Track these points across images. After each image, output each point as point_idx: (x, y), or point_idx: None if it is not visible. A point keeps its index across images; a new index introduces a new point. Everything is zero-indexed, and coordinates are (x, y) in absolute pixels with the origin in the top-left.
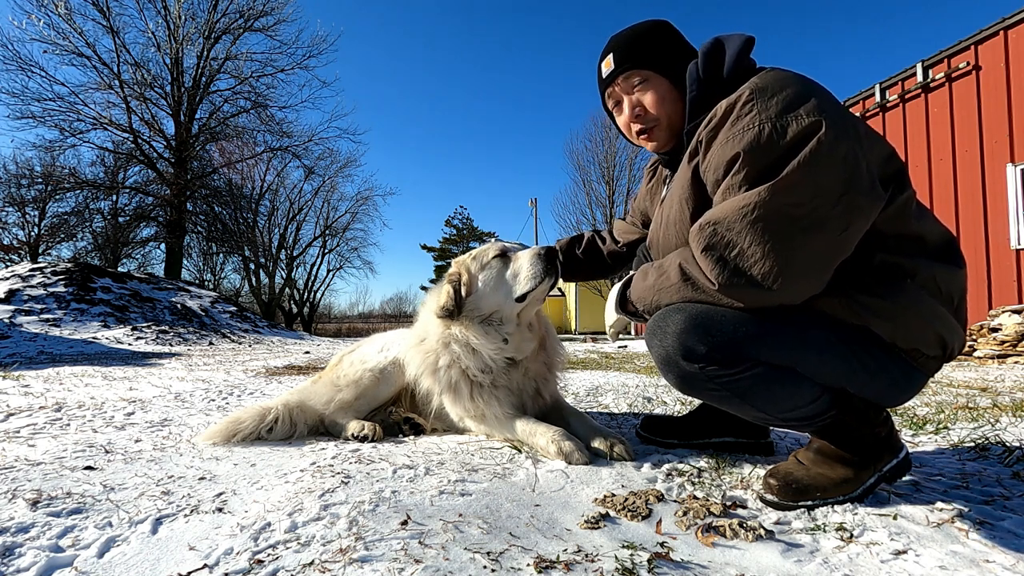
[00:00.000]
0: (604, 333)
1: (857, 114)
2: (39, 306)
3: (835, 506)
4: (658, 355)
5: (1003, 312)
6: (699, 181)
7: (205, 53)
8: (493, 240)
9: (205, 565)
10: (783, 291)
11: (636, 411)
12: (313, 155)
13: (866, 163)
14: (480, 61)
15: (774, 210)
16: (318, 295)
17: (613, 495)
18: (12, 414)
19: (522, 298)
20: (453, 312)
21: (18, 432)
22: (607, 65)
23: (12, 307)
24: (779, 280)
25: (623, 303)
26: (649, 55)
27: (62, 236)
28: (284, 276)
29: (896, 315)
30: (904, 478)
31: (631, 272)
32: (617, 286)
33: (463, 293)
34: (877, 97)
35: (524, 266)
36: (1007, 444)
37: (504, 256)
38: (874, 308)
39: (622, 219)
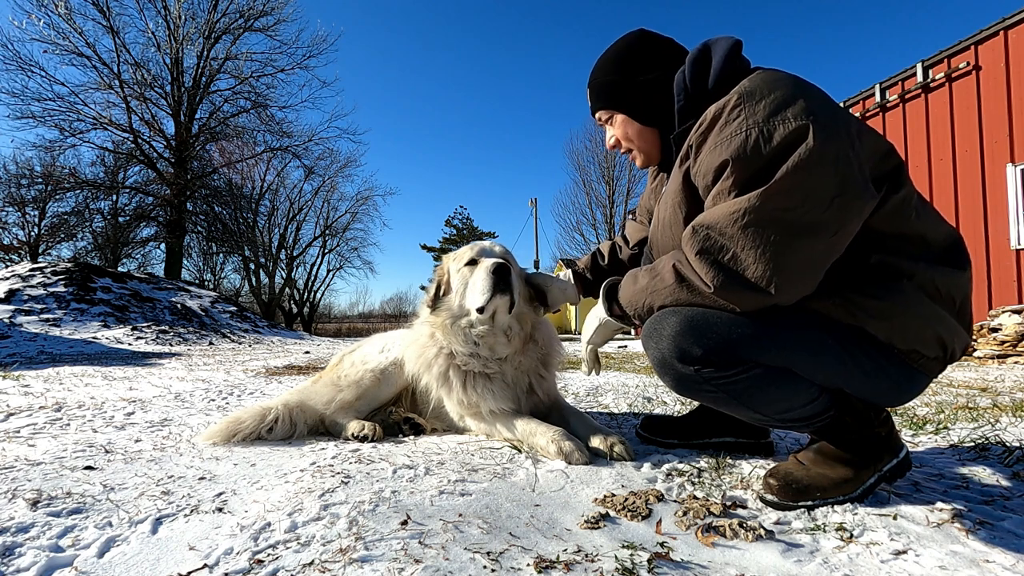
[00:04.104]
0: None
1: (857, 114)
2: (39, 306)
3: (835, 506)
4: (654, 358)
5: (1003, 312)
6: (691, 185)
7: (205, 53)
8: (481, 241)
9: (205, 565)
10: (777, 294)
11: (636, 411)
12: (313, 155)
13: (858, 163)
14: (480, 61)
15: (765, 215)
16: (318, 295)
17: (613, 495)
18: (12, 414)
19: (481, 310)
20: (433, 306)
21: (18, 432)
22: (588, 97)
23: (12, 307)
24: (773, 283)
25: (609, 306)
26: (614, 94)
27: (62, 236)
28: (284, 276)
29: (893, 316)
30: (904, 478)
31: (610, 277)
32: (601, 293)
33: (441, 291)
34: (877, 97)
35: (478, 280)
36: (1007, 444)
37: (475, 263)
38: (870, 309)
39: (632, 219)
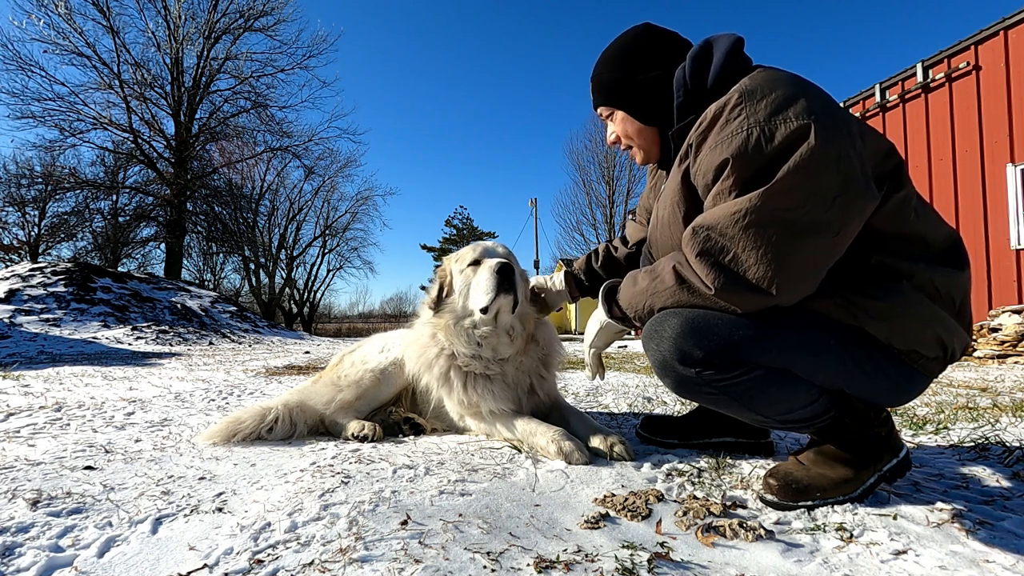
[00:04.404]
0: None
1: (857, 114)
2: (39, 306)
3: (835, 506)
4: (655, 360)
5: (1003, 312)
6: (690, 185)
7: (205, 53)
8: (484, 242)
9: (205, 565)
10: (779, 295)
11: (636, 411)
12: (313, 155)
13: (860, 163)
14: (480, 61)
15: (766, 215)
16: (318, 295)
17: (613, 495)
18: (12, 414)
19: (485, 310)
20: (435, 307)
21: (18, 432)
22: (591, 92)
23: (12, 307)
24: (774, 284)
25: (609, 308)
26: (615, 92)
27: (62, 236)
28: (284, 276)
29: (892, 316)
30: (904, 478)
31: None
32: (600, 295)
33: (444, 292)
34: (877, 97)
35: (481, 280)
36: (1007, 444)
37: (477, 264)
38: (869, 309)
39: (632, 219)
